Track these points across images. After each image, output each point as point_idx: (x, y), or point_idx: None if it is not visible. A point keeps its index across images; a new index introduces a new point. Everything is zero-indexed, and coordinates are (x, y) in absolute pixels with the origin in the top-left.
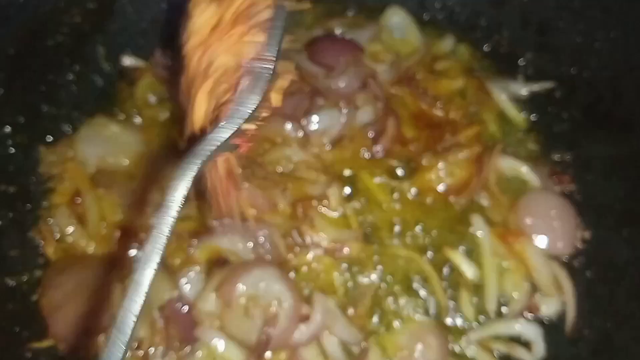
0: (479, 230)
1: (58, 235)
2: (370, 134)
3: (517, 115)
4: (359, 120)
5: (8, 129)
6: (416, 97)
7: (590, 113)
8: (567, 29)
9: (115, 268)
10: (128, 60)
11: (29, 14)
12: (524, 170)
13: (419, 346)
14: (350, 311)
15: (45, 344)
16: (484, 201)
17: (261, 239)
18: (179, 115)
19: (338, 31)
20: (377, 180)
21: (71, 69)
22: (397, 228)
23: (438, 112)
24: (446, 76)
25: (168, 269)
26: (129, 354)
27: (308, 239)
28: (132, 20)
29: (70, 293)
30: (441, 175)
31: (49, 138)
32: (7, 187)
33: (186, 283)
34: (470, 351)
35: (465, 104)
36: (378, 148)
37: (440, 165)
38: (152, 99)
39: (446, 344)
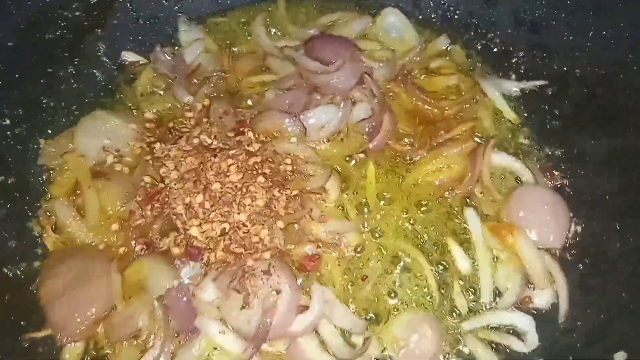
0: (472, 224)
1: (57, 227)
2: (367, 129)
3: (510, 112)
4: (355, 115)
5: (7, 121)
6: (411, 94)
7: (581, 110)
8: (559, 28)
9: (114, 259)
10: (128, 56)
11: (29, 7)
12: (517, 165)
13: (415, 337)
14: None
15: (42, 333)
16: (478, 195)
17: None
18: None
19: (330, 27)
20: (374, 174)
21: (71, 63)
22: (393, 220)
23: (433, 109)
24: (440, 74)
25: (168, 259)
26: (125, 343)
27: (307, 231)
28: (133, 16)
29: (68, 283)
30: (436, 170)
31: (49, 131)
32: (5, 178)
33: (186, 273)
34: (465, 341)
35: (459, 101)
36: (374, 143)
37: (435, 160)
38: (151, 93)
39: (440, 334)
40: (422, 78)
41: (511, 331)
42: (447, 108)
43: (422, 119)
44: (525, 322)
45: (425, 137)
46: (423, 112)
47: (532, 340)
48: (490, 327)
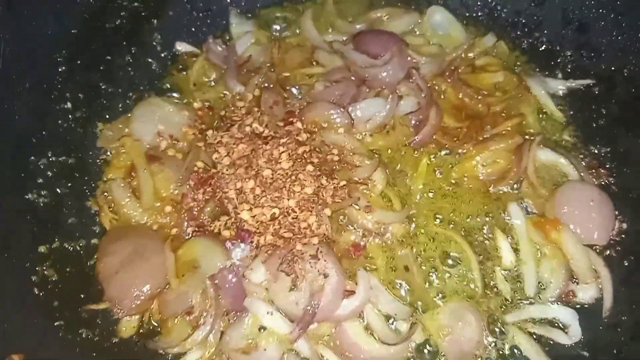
0: (516, 218)
1: (113, 206)
2: (413, 123)
3: (555, 110)
4: (402, 109)
5: (68, 105)
6: (458, 90)
7: (628, 109)
8: (608, 27)
9: (167, 239)
10: (182, 46)
11: None
12: (563, 161)
13: (459, 324)
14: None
15: (100, 306)
16: (523, 190)
17: None
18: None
19: (378, 22)
20: (420, 166)
21: (129, 52)
22: (438, 213)
23: (479, 105)
24: (486, 71)
25: (220, 240)
26: (178, 319)
27: (354, 220)
28: (187, 8)
29: (124, 260)
30: (482, 164)
31: (106, 115)
32: (66, 158)
33: (237, 254)
34: (509, 333)
35: (505, 98)
36: (420, 136)
37: (481, 154)
38: (203, 83)
39: (483, 323)
40: (468, 74)
41: (554, 324)
42: (493, 104)
43: (468, 114)
44: (568, 315)
45: (471, 132)
46: (469, 108)
47: (575, 333)
48: (533, 320)
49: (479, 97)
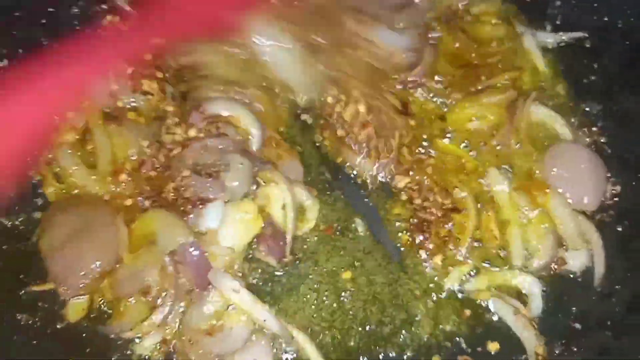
0: (497, 183)
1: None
2: (408, 59)
3: (543, 66)
4: (398, 44)
5: (4, 62)
6: (454, 37)
7: (623, 64)
8: None
9: (120, 211)
10: None
11: None
12: (557, 120)
13: None
14: None
15: (44, 287)
16: (513, 149)
17: None
18: None
19: None
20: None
21: (75, 3)
22: None
23: (474, 55)
24: (482, 21)
25: (180, 214)
26: (133, 300)
27: None
28: None
29: (71, 234)
30: (473, 117)
31: None
32: None
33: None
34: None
35: (501, 50)
36: (414, 75)
37: (472, 107)
38: None
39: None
40: (466, 22)
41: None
42: (489, 56)
43: (463, 62)
44: (531, 285)
45: (465, 82)
46: (464, 56)
47: (537, 305)
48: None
49: (476, 46)
